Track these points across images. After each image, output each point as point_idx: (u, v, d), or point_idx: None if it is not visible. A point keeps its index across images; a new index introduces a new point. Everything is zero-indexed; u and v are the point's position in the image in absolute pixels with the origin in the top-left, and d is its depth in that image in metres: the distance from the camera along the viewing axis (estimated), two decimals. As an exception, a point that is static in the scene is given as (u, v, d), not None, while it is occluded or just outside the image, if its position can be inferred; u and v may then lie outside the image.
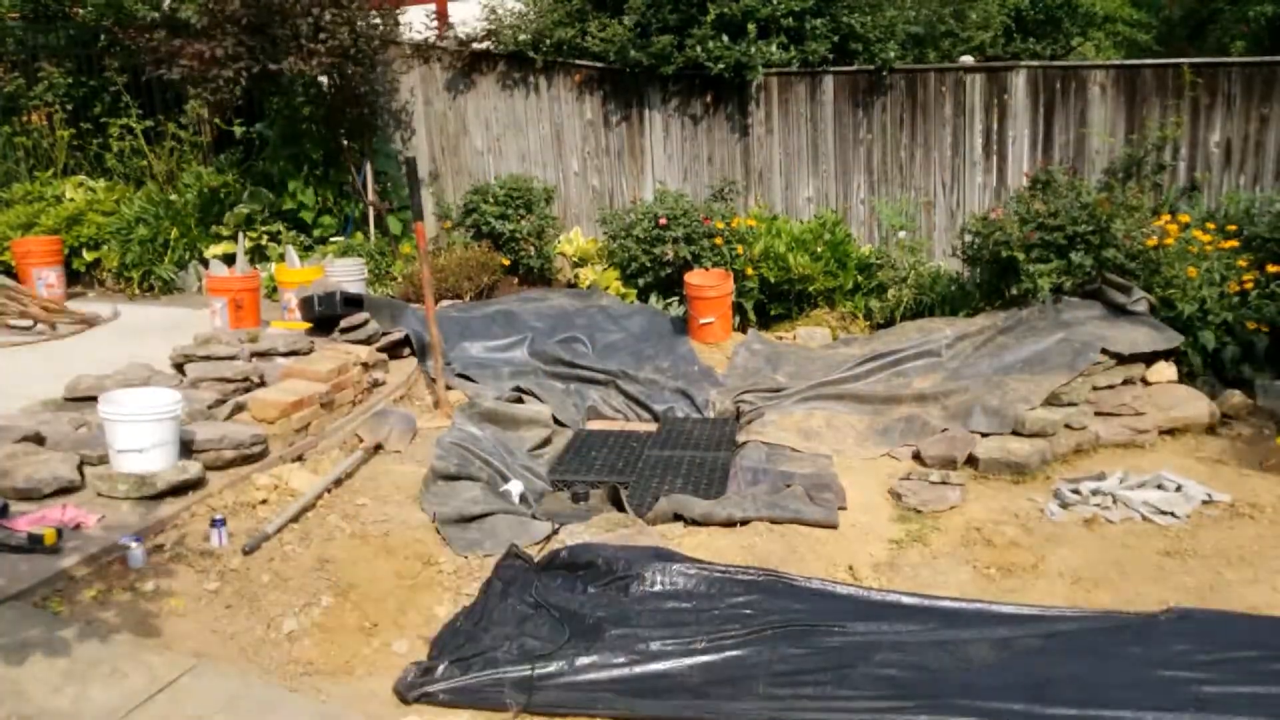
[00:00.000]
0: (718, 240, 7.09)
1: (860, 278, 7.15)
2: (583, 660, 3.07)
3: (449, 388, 5.60)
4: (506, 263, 7.92)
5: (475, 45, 8.51)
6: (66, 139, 8.79)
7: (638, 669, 3.04)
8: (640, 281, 7.39)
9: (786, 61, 7.78)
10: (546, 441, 5.19)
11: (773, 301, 7.13)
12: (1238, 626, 3.29)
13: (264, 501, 4.00)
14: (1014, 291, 6.04)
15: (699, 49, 7.64)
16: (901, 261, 7.12)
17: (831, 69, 7.81)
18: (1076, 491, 4.44)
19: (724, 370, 6.30)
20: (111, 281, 8.18)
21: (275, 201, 8.23)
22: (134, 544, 3.40)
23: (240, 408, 4.65)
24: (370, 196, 8.41)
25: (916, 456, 4.95)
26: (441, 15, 9.47)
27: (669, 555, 3.68)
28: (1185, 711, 2.82)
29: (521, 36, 8.35)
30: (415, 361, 5.93)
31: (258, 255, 8.04)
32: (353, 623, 3.31)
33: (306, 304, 6.03)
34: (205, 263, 7.70)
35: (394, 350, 5.94)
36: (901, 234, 7.30)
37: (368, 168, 8.39)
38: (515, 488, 4.45)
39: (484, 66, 8.60)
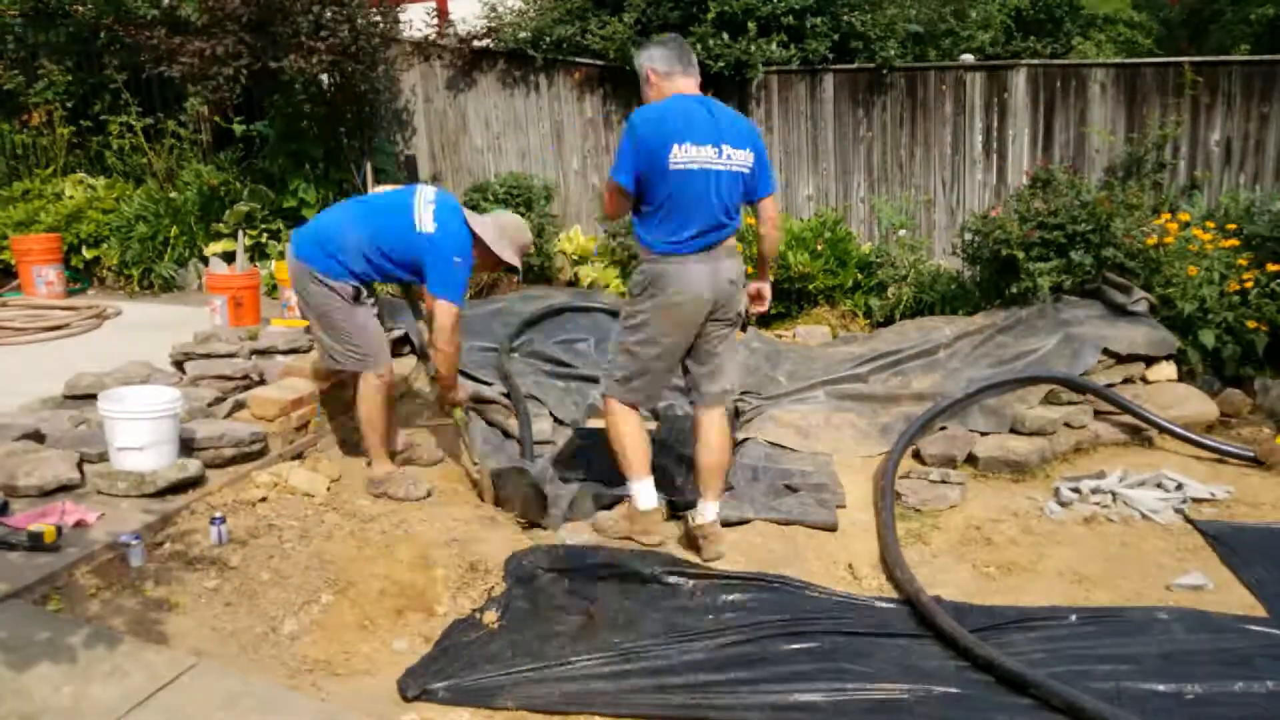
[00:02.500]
0: (718, 239, 7.08)
1: (860, 276, 7.15)
2: (583, 660, 3.07)
3: (449, 386, 5.59)
4: (506, 261, 7.92)
5: (475, 43, 8.51)
6: (66, 136, 8.79)
7: (638, 668, 3.04)
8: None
9: (787, 60, 7.78)
10: (546, 440, 5.19)
11: (772, 300, 7.12)
12: (1236, 626, 3.29)
13: (264, 499, 4.00)
14: (1014, 290, 6.04)
15: (699, 47, 7.63)
16: (901, 260, 7.12)
17: (832, 67, 7.81)
18: (1076, 490, 4.44)
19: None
20: (111, 279, 8.18)
21: (275, 199, 8.23)
22: (133, 541, 3.40)
23: (240, 405, 4.65)
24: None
25: (916, 455, 4.95)
26: (442, 13, 9.47)
27: (669, 556, 3.69)
28: (1182, 710, 2.83)
29: (521, 34, 8.35)
30: (415, 359, 5.92)
31: (258, 253, 8.04)
32: (352, 621, 3.31)
33: (306, 302, 6.02)
34: (205, 260, 7.70)
35: (394, 349, 5.93)
36: (901, 232, 7.30)
37: (368, 166, 8.38)
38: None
39: (484, 64, 8.60)
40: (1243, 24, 10.85)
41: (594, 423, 5.62)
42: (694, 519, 3.83)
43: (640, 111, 3.56)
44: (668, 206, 3.53)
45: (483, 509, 4.31)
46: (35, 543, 3.27)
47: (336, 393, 4.89)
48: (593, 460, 4.93)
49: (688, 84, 3.63)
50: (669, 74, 3.62)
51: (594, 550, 3.71)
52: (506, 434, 5.11)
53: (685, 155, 3.47)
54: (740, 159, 3.59)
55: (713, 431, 3.80)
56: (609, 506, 4.39)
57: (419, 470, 4.49)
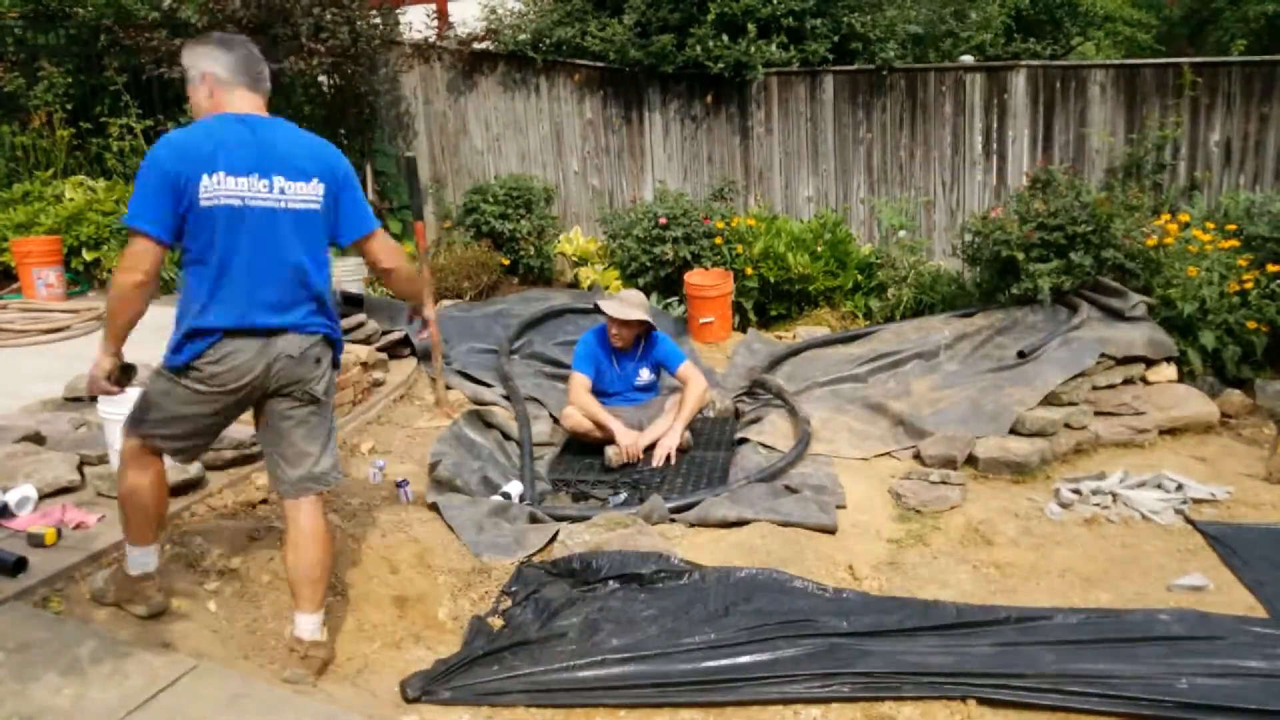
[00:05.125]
0: (718, 240, 7.09)
1: (860, 277, 7.15)
2: (585, 659, 3.07)
3: (449, 387, 5.61)
4: (506, 262, 7.92)
5: (475, 45, 8.52)
6: (66, 139, 8.79)
7: (641, 670, 3.04)
8: (640, 281, 7.40)
9: (786, 61, 7.78)
10: (546, 441, 5.20)
11: (773, 301, 7.13)
12: (1237, 627, 3.29)
13: (264, 501, 3.99)
14: (1014, 291, 6.04)
15: (699, 48, 7.64)
16: (901, 261, 7.12)
17: (832, 68, 7.81)
18: (1076, 491, 4.44)
19: (724, 370, 6.30)
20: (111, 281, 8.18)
21: (275, 201, 8.22)
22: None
23: (240, 407, 4.65)
24: (370, 196, 8.41)
25: (916, 456, 4.95)
26: (442, 15, 9.48)
27: (670, 558, 3.69)
28: (1181, 710, 2.83)
29: (521, 36, 8.36)
30: (415, 361, 5.93)
31: (258, 255, 8.04)
32: (351, 624, 3.31)
33: (306, 304, 6.01)
34: (205, 262, 7.70)
35: (394, 350, 5.95)
36: (901, 233, 7.31)
37: (368, 167, 8.39)
38: (514, 489, 4.45)
39: (484, 66, 8.60)
40: (1240, 22, 10.86)
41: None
42: (292, 630, 3.03)
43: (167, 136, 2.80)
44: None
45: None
46: (35, 544, 3.27)
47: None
48: (593, 462, 4.94)
49: (249, 101, 2.89)
50: (228, 85, 2.86)
51: (595, 552, 3.71)
52: (506, 435, 5.11)
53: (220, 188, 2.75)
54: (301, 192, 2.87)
55: (304, 526, 2.98)
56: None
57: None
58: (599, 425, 4.87)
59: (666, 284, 7.33)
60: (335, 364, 3.08)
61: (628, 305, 5.00)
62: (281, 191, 2.83)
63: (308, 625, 2.99)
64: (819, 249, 7.06)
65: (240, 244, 2.80)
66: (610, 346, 5.11)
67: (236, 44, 2.90)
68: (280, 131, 2.88)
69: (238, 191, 2.76)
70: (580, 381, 5.01)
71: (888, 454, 5.03)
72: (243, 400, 2.93)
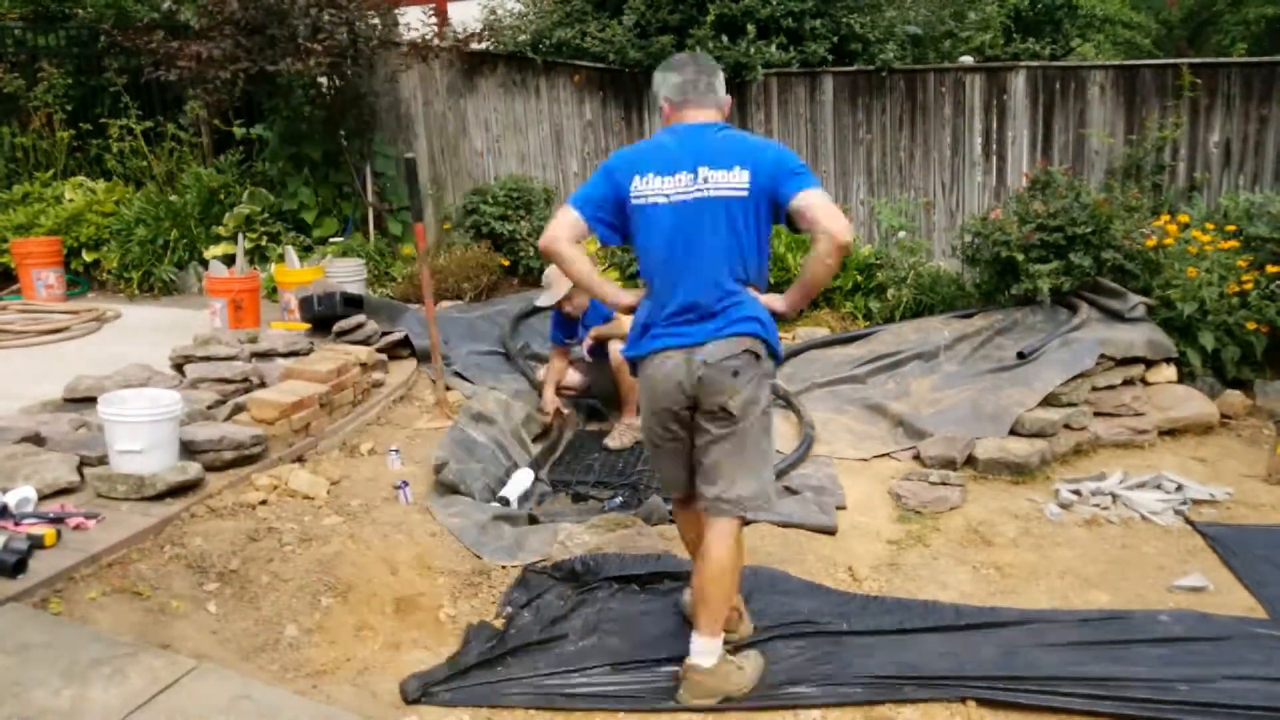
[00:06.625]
0: (717, 241, 7.08)
1: (860, 278, 7.15)
2: (586, 662, 3.07)
3: (448, 388, 5.60)
4: (506, 263, 7.92)
5: (475, 46, 8.52)
6: (66, 140, 8.79)
7: (642, 670, 3.04)
8: (641, 282, 7.38)
9: (786, 62, 7.78)
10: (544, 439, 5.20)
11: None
12: (1237, 628, 3.29)
13: (264, 502, 3.99)
14: (1014, 292, 6.04)
15: (698, 49, 7.64)
16: (901, 262, 7.11)
17: (831, 69, 7.81)
18: (1076, 492, 4.45)
19: (724, 371, 6.30)
20: (111, 282, 8.18)
21: (275, 202, 8.23)
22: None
23: (240, 408, 4.65)
24: (370, 197, 8.41)
25: (916, 457, 4.95)
26: (441, 16, 9.48)
27: (671, 560, 3.69)
28: (1181, 711, 2.83)
29: (521, 37, 8.36)
30: (415, 362, 5.93)
31: (257, 256, 8.04)
32: (351, 624, 3.30)
33: (306, 304, 6.02)
34: (205, 263, 7.71)
35: (393, 351, 5.94)
36: (901, 234, 7.30)
37: (367, 169, 8.39)
38: (515, 488, 4.45)
39: (484, 67, 8.60)
40: (1240, 25, 10.86)
41: (593, 425, 5.63)
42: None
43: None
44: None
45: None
46: (35, 545, 3.27)
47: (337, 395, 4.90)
48: (592, 465, 4.94)
49: (698, 114, 2.99)
50: (678, 105, 3.01)
51: (595, 554, 3.71)
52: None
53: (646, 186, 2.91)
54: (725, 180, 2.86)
55: (708, 547, 2.94)
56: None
57: None
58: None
59: (666, 285, 7.32)
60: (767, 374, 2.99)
61: (549, 293, 5.36)
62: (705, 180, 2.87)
63: (694, 646, 2.91)
64: (819, 250, 7.05)
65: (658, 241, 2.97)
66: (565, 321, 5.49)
67: (681, 64, 3.02)
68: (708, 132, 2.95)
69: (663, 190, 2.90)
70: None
71: (887, 455, 5.03)
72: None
